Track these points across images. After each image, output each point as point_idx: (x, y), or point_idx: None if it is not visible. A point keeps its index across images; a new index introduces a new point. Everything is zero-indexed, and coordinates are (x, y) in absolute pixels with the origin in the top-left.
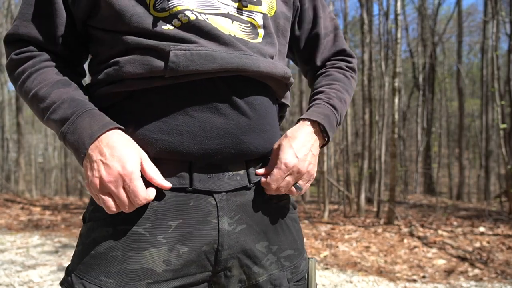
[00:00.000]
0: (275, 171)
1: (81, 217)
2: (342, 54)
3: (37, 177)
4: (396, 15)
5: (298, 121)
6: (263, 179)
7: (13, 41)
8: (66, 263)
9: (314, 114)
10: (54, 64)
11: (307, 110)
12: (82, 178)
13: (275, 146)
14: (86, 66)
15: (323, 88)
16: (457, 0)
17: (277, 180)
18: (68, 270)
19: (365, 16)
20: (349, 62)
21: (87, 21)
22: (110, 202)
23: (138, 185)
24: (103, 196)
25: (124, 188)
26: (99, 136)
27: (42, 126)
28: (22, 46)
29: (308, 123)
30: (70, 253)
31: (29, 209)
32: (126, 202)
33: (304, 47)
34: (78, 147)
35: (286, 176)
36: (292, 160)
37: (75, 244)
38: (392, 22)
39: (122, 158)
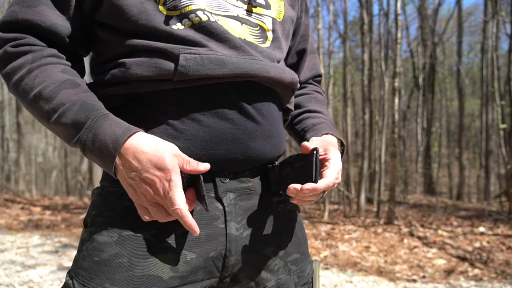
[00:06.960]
0: (331, 176)
1: (81, 217)
2: (319, 78)
3: (37, 177)
4: (396, 15)
5: (326, 133)
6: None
7: (9, 30)
8: (66, 263)
9: (338, 135)
10: (58, 60)
11: (313, 124)
12: (82, 178)
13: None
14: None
15: (321, 110)
16: (457, 0)
17: (329, 185)
18: (70, 276)
19: (365, 16)
20: (322, 93)
21: (93, 15)
22: (148, 213)
23: (177, 193)
24: (151, 207)
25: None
26: (124, 142)
27: (42, 126)
28: (20, 37)
29: (336, 139)
30: (70, 253)
31: (29, 209)
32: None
33: (290, 57)
34: (102, 156)
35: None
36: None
37: (75, 244)
38: (392, 22)
39: (160, 165)
